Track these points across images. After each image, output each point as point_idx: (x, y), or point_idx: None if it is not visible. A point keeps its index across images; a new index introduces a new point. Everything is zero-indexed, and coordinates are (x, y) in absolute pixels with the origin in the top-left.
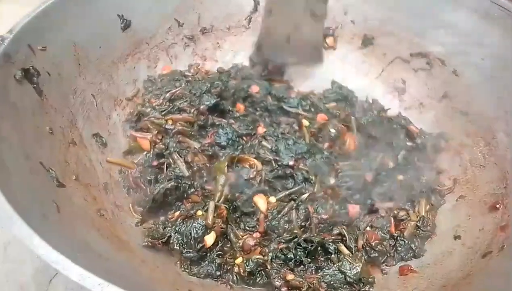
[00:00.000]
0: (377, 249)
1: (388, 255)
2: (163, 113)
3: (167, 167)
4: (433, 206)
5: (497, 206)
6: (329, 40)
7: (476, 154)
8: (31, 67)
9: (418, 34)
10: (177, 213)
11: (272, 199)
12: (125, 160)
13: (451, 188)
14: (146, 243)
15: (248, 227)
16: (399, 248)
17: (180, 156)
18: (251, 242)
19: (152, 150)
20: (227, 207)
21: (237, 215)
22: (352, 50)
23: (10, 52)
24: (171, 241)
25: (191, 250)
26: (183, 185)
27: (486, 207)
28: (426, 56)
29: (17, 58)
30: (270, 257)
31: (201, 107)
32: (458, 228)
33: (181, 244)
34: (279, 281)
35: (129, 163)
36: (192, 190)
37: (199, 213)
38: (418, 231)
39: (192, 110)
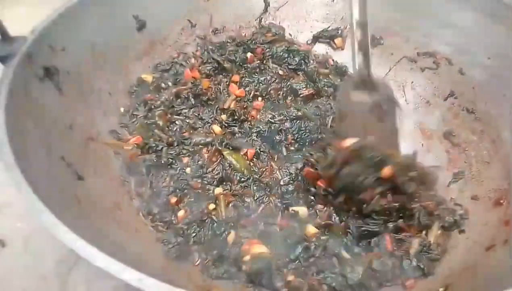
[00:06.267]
0: (379, 270)
1: (394, 275)
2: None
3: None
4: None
5: (501, 201)
6: (337, 41)
7: (481, 151)
8: (51, 66)
9: (425, 34)
10: (181, 213)
11: None
12: (120, 142)
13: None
14: (177, 254)
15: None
16: (405, 267)
17: None
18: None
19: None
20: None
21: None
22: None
23: (32, 51)
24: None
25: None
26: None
27: (490, 202)
28: (432, 55)
29: (39, 57)
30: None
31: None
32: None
33: (201, 250)
34: (280, 282)
35: (123, 143)
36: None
37: (211, 206)
38: (424, 253)
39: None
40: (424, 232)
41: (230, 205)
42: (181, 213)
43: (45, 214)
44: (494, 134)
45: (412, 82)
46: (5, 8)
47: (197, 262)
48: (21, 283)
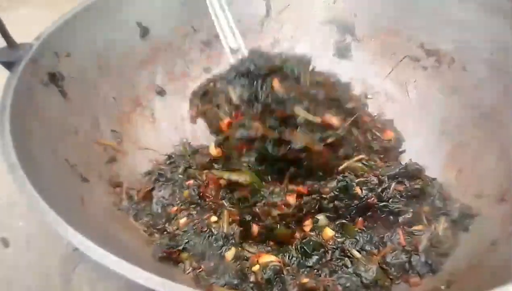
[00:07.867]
0: (392, 263)
1: (404, 269)
2: None
3: None
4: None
5: (506, 197)
6: None
7: (485, 147)
8: (56, 72)
9: (427, 32)
10: (183, 220)
11: None
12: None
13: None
14: (162, 254)
15: None
16: (413, 263)
17: None
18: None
19: None
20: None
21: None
22: (361, 50)
23: (37, 58)
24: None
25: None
26: None
27: (495, 198)
28: (435, 53)
29: (44, 63)
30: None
31: None
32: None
33: (192, 258)
34: (294, 287)
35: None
36: None
37: (213, 218)
38: (433, 248)
39: None
40: (433, 226)
41: (234, 224)
42: (183, 220)
43: (47, 213)
44: (498, 130)
45: (415, 80)
46: (9, 9)
47: (188, 271)
48: (25, 282)
